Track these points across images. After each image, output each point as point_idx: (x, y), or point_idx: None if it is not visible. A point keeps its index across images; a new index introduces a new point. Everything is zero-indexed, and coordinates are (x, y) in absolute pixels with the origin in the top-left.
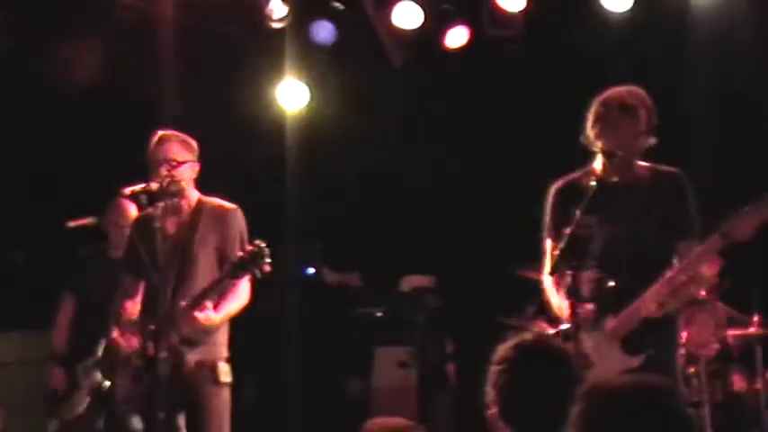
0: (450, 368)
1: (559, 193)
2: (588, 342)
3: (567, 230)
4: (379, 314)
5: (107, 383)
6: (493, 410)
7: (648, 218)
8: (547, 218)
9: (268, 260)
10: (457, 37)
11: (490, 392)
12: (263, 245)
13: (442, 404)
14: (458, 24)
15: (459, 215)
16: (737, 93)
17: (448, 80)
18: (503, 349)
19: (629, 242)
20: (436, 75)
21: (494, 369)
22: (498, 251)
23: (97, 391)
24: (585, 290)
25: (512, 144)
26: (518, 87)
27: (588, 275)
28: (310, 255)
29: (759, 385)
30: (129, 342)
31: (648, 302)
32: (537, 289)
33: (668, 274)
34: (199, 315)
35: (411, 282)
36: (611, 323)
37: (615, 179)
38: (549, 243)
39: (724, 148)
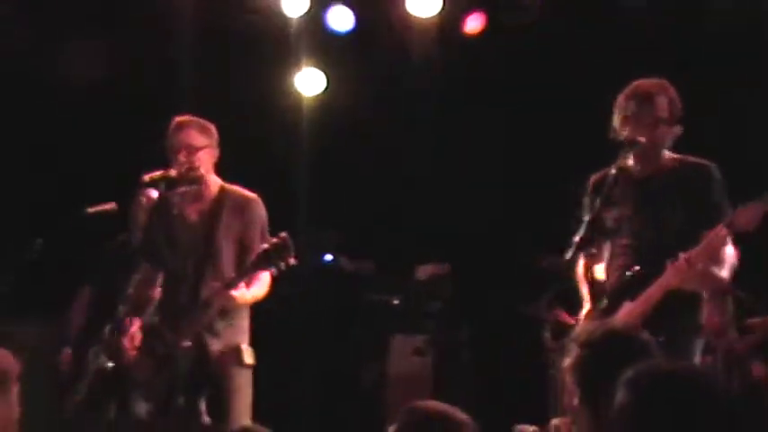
0: (466, 356)
1: (594, 185)
2: None
3: (586, 218)
4: (395, 302)
5: (110, 365)
6: (573, 397)
7: (672, 207)
8: (583, 210)
9: (293, 253)
10: (474, 24)
11: (570, 376)
12: (288, 237)
13: (457, 392)
14: (475, 11)
15: (475, 203)
16: None
17: (465, 67)
18: (588, 334)
19: (653, 231)
20: (453, 61)
21: (578, 353)
22: (515, 239)
23: (101, 372)
24: (611, 278)
25: (529, 132)
26: (535, 75)
27: (613, 264)
28: (326, 242)
29: None
30: (133, 325)
31: (666, 280)
32: (553, 277)
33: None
34: (235, 292)
35: (426, 270)
36: (626, 308)
37: (639, 168)
38: (585, 234)
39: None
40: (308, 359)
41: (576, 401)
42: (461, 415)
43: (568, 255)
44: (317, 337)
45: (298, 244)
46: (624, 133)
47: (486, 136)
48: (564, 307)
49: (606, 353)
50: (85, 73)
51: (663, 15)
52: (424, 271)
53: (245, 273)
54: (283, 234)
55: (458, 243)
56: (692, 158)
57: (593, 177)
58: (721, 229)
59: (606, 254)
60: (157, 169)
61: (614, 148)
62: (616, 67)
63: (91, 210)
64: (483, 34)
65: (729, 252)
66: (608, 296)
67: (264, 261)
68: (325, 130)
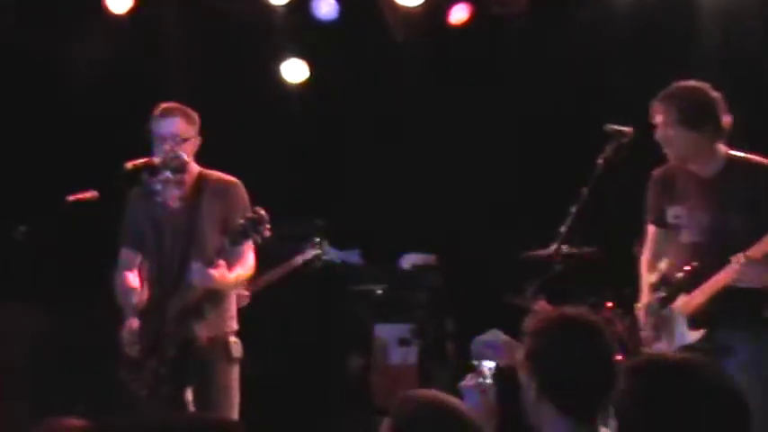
0: (451, 346)
1: (656, 181)
2: (651, 320)
3: (573, 209)
4: (380, 291)
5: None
6: (528, 390)
7: (732, 208)
8: (648, 204)
9: (268, 226)
10: (460, 14)
11: (525, 365)
12: (263, 211)
13: (443, 382)
14: (461, 2)
15: (461, 192)
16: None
17: (450, 56)
18: (540, 321)
19: (713, 232)
20: (438, 50)
21: (531, 343)
22: (501, 230)
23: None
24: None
25: (515, 123)
26: (520, 64)
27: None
28: (311, 231)
29: None
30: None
31: (726, 275)
32: (538, 268)
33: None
34: (213, 271)
35: (412, 259)
36: (681, 300)
37: (695, 169)
38: (649, 227)
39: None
40: (292, 349)
41: (533, 393)
42: (455, 401)
43: (554, 245)
44: (302, 326)
45: (282, 233)
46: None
47: (473, 126)
48: (549, 297)
49: (562, 338)
50: (67, 60)
51: (650, 9)
52: (409, 260)
53: (224, 249)
54: (258, 208)
55: (444, 233)
56: (754, 158)
57: (655, 172)
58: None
59: (669, 248)
60: (140, 156)
61: (601, 137)
62: (603, 57)
63: (71, 198)
64: (468, 24)
65: None
66: (666, 289)
67: (240, 235)
68: (310, 119)
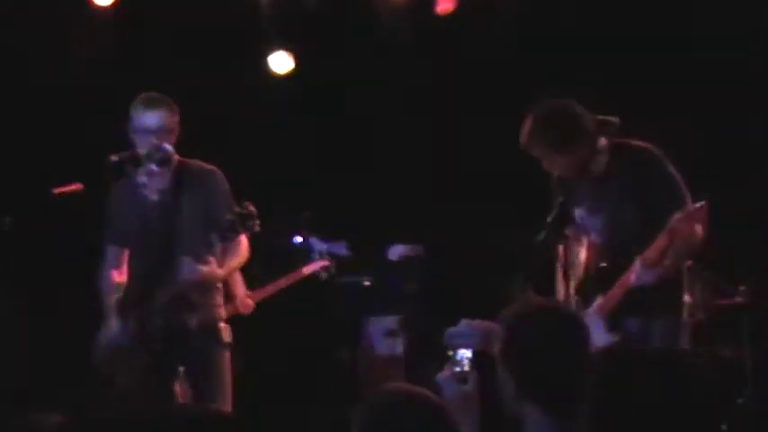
0: (439, 337)
1: (555, 183)
2: None
3: (549, 219)
4: (367, 283)
5: None
6: (509, 379)
7: (622, 201)
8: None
9: (257, 221)
10: (447, 5)
11: (503, 360)
12: (252, 207)
13: (431, 373)
14: None
15: (448, 183)
16: None
17: (438, 46)
18: (515, 314)
19: (610, 230)
20: (425, 40)
21: (508, 337)
22: (488, 221)
23: None
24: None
25: (502, 114)
26: (507, 57)
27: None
28: (297, 223)
29: (744, 355)
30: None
31: (629, 277)
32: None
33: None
34: (203, 267)
35: (399, 251)
36: (597, 303)
37: (589, 168)
38: None
39: None
40: (280, 341)
41: (512, 386)
42: (436, 398)
43: (541, 236)
44: (289, 318)
45: (270, 225)
46: None
47: (460, 117)
48: (535, 288)
49: (538, 331)
50: (51, 55)
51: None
52: (396, 252)
53: (213, 245)
54: (247, 203)
55: (431, 224)
56: (633, 144)
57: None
58: (663, 240)
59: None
60: (123, 148)
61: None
62: (591, 48)
63: (57, 190)
64: (455, 15)
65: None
66: (581, 286)
67: (230, 231)
68: (296, 111)
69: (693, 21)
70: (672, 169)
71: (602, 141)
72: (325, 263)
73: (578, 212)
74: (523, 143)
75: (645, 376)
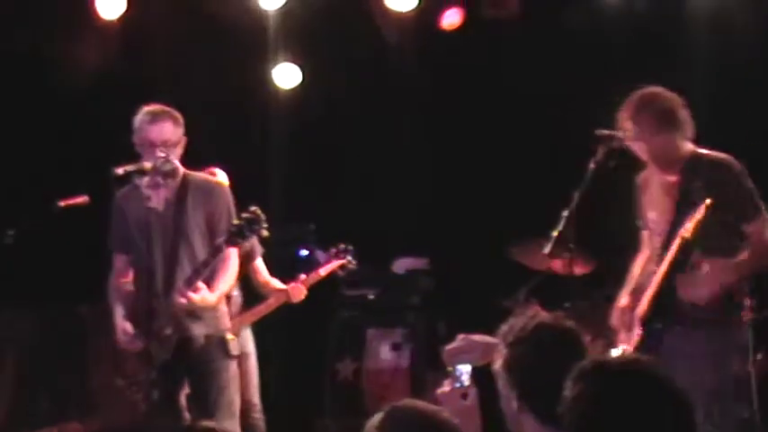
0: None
1: (637, 186)
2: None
3: (565, 213)
4: (372, 296)
5: None
6: (510, 401)
7: (689, 209)
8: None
9: (265, 225)
10: (452, 19)
11: (503, 375)
12: (259, 210)
13: (435, 386)
14: (453, 6)
15: (453, 196)
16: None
17: (442, 60)
18: (515, 330)
19: (673, 236)
20: (430, 54)
21: (510, 352)
22: (493, 234)
23: None
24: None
25: (508, 125)
26: (512, 69)
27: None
28: (303, 236)
29: (750, 368)
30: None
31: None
32: (530, 271)
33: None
34: (194, 296)
35: (404, 264)
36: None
37: (662, 172)
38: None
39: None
40: (285, 353)
41: (514, 404)
42: (444, 415)
43: (547, 249)
44: (294, 331)
45: (274, 238)
46: None
47: (465, 129)
48: (540, 300)
49: (542, 347)
50: (55, 66)
51: (643, 14)
52: (401, 265)
53: (216, 251)
54: (253, 208)
55: (436, 236)
56: (711, 155)
57: (639, 177)
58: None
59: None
60: (129, 160)
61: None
62: (594, 62)
63: (63, 203)
64: (461, 29)
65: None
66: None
67: (237, 236)
68: (302, 124)
69: None
70: (749, 183)
71: (689, 146)
72: (341, 261)
73: (651, 215)
74: (628, 115)
75: (616, 388)
